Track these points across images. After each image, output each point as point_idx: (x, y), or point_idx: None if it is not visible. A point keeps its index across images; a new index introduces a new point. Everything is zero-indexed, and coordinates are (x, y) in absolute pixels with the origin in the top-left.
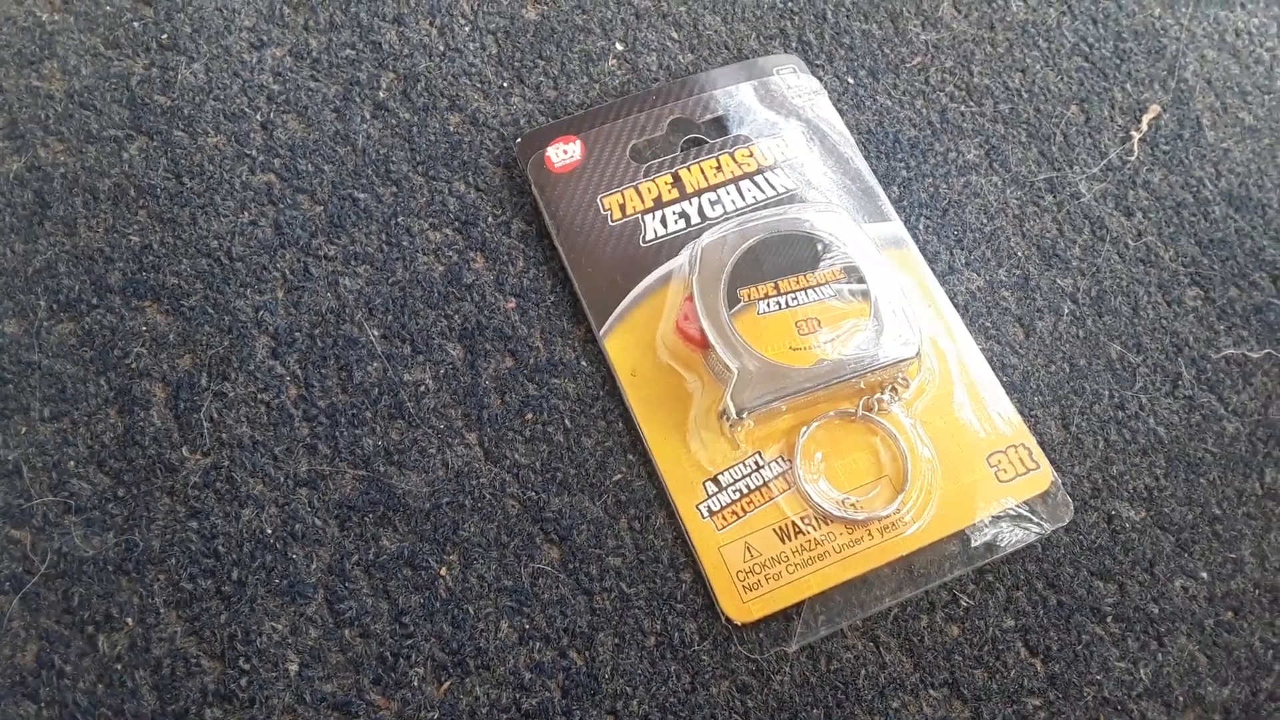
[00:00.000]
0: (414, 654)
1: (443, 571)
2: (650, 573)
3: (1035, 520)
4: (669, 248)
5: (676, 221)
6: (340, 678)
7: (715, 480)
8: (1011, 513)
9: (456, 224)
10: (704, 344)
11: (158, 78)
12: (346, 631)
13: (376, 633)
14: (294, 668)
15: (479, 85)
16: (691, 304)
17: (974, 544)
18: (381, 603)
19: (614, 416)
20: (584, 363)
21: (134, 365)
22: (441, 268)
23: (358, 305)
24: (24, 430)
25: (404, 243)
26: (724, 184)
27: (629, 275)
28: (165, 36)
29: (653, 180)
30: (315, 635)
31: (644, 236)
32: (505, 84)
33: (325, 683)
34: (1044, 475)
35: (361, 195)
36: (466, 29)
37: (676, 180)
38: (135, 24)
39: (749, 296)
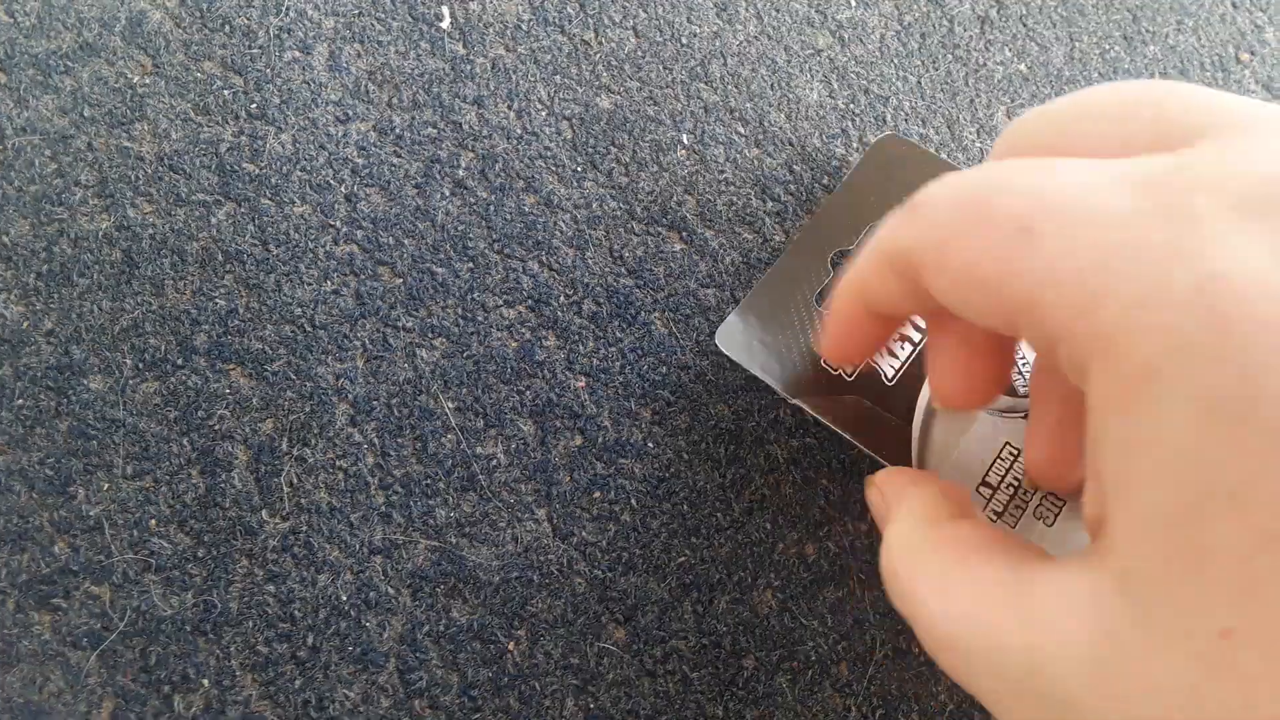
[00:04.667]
0: None
1: (511, 646)
2: (712, 657)
3: None
4: (911, 379)
5: (904, 347)
6: None
7: None
8: None
9: (529, 302)
10: None
11: (246, 145)
12: (417, 702)
13: (445, 705)
14: None
15: (554, 169)
16: None
17: None
18: (451, 674)
19: (679, 499)
20: (650, 444)
21: (217, 427)
22: (514, 344)
23: (434, 377)
24: (107, 487)
25: (479, 318)
26: None
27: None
28: (254, 106)
29: None
30: (386, 705)
31: (885, 377)
32: (579, 168)
33: None
34: None
35: (439, 270)
36: (543, 114)
37: None
38: (225, 92)
39: None
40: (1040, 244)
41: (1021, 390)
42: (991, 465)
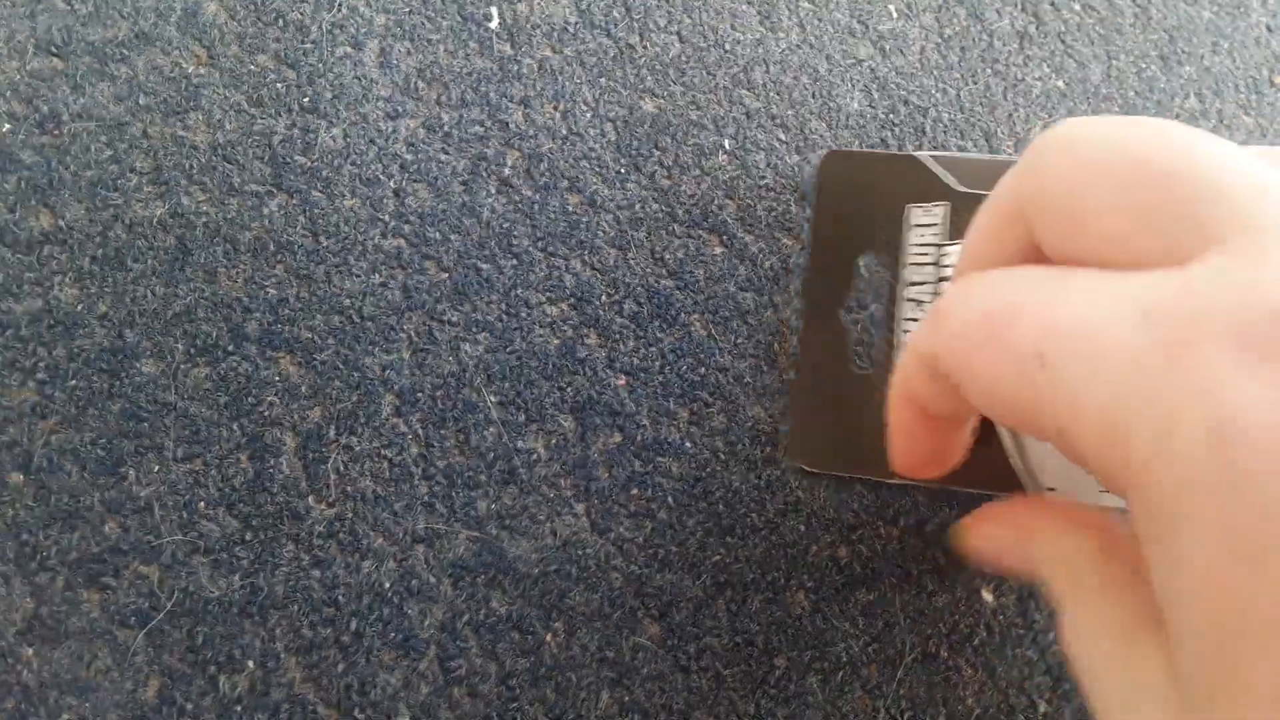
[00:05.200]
0: (519, 717)
1: (548, 638)
2: (745, 656)
3: None
4: None
5: None
6: None
7: None
8: None
9: (572, 300)
10: None
11: (299, 138)
12: (455, 690)
13: (484, 693)
14: None
15: (598, 169)
16: None
17: None
18: (490, 664)
19: (715, 499)
20: (688, 444)
21: (266, 413)
22: (556, 341)
23: (477, 371)
24: (157, 468)
25: (522, 314)
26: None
27: None
28: (307, 100)
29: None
30: (426, 691)
31: None
32: (622, 170)
33: None
34: None
35: (484, 266)
36: (588, 115)
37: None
38: (279, 85)
39: None
40: (1057, 375)
41: None
42: None
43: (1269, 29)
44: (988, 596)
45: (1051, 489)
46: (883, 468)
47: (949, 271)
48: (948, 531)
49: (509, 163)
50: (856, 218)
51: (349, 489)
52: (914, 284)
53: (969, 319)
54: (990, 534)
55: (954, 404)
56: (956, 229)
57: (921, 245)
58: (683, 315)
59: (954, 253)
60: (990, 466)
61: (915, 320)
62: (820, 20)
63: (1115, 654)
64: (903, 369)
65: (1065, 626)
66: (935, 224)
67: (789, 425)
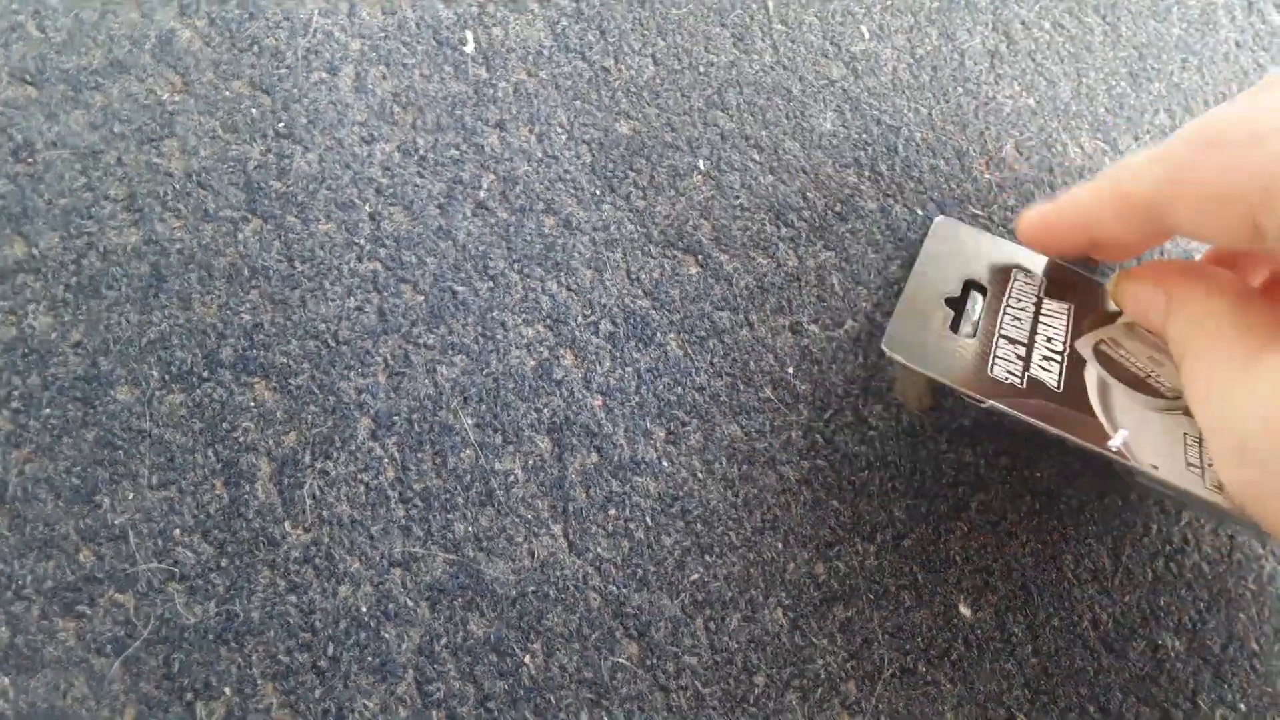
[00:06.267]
0: None
1: (526, 659)
2: (724, 674)
3: None
4: (1075, 388)
5: (1055, 360)
6: None
7: None
8: None
9: (548, 321)
10: None
11: (274, 164)
12: (434, 713)
13: (462, 716)
14: None
15: (573, 191)
16: None
17: None
18: (468, 686)
19: (693, 517)
20: (664, 463)
21: (241, 439)
22: (533, 362)
23: (453, 393)
24: (132, 496)
25: (498, 336)
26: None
27: None
28: (282, 125)
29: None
30: (405, 715)
31: (1051, 387)
32: (597, 191)
33: None
34: None
35: (460, 288)
36: (563, 138)
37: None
38: (253, 110)
39: None
40: (1269, 143)
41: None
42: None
43: (1237, 45)
44: (965, 611)
45: (1155, 465)
46: (967, 384)
47: (1044, 317)
48: (1107, 289)
49: (485, 185)
50: (959, 264)
51: (325, 514)
52: (1011, 311)
53: (1189, 136)
54: (1138, 292)
55: (1132, 235)
56: (1050, 292)
57: (1023, 290)
58: (659, 335)
59: (1051, 306)
60: (1083, 425)
61: (1017, 323)
62: (793, 42)
63: (1231, 376)
64: (1091, 208)
65: (1191, 365)
66: (1034, 285)
67: (894, 322)
